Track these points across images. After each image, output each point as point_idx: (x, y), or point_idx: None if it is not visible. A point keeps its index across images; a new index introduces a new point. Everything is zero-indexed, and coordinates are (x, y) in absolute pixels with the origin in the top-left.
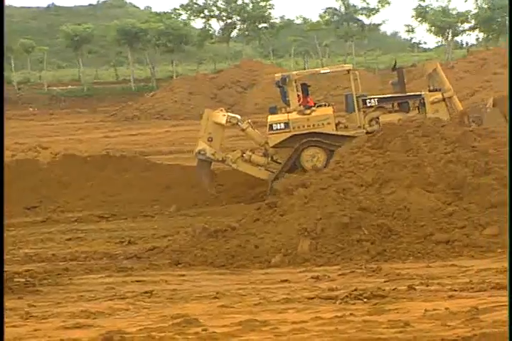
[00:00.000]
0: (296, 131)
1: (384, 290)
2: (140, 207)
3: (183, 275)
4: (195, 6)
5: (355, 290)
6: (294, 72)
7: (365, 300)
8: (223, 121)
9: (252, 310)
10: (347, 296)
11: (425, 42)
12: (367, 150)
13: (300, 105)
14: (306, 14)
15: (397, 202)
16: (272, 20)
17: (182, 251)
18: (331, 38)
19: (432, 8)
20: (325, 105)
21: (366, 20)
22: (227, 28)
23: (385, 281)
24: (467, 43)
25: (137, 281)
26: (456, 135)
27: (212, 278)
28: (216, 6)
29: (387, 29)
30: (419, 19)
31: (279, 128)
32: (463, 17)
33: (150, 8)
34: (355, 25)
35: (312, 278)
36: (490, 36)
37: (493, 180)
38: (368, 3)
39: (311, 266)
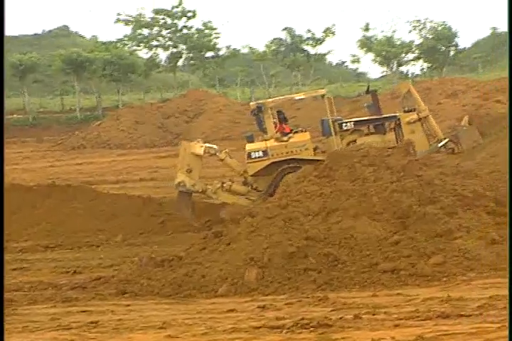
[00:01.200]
0: (275, 158)
1: (331, 319)
2: (86, 236)
3: (129, 305)
4: (139, 36)
5: (302, 319)
6: (269, 100)
7: (311, 329)
8: (201, 152)
9: (198, 340)
10: (294, 325)
11: (370, 73)
12: (313, 179)
13: (277, 132)
14: (252, 44)
15: (344, 231)
16: (217, 50)
17: (128, 281)
18: (278, 68)
19: (376, 39)
20: (301, 131)
21: (312, 51)
22: (174, 58)
23: (331, 310)
24: (412, 73)
25: (82, 311)
26: (402, 164)
27: (158, 308)
28: (162, 36)
29: (332, 59)
30: (364, 49)
31: (257, 156)
32: (407, 47)
33: (96, 37)
34: (301, 55)
35: (259, 307)
36: (434, 66)
37: (439, 209)
38: (313, 34)
39: (257, 296)
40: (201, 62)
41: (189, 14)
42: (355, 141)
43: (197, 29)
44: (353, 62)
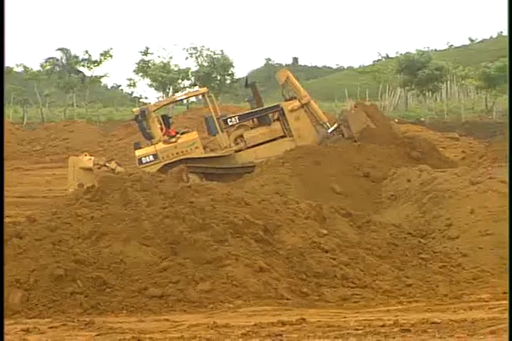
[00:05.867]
0: (166, 160)
1: None
2: None
3: None
4: None
5: None
6: (151, 104)
7: None
8: (90, 164)
9: None
10: None
11: (146, 97)
12: (85, 202)
13: (164, 135)
14: (26, 62)
15: (114, 255)
16: None
17: None
18: (52, 87)
19: (154, 64)
20: (187, 132)
21: (88, 72)
22: None
23: (96, 335)
24: (188, 100)
25: None
26: (175, 190)
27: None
28: None
29: (108, 82)
30: (141, 74)
31: (148, 160)
32: (183, 73)
33: None
34: (76, 76)
35: (22, 330)
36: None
37: (209, 236)
38: (90, 55)
39: (21, 318)
40: None
41: None
42: (242, 135)
43: None
44: (129, 86)
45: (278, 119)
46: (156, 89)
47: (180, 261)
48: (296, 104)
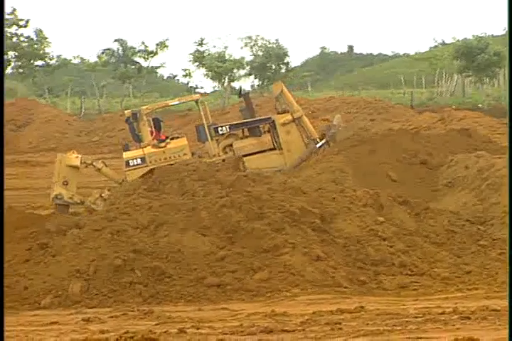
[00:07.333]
0: (154, 164)
1: (155, 333)
2: None
3: None
4: None
5: (126, 332)
6: (144, 107)
7: None
8: (77, 163)
9: None
10: (117, 339)
11: (202, 87)
12: (143, 192)
13: (153, 139)
14: (84, 54)
15: (171, 245)
16: (50, 59)
17: None
18: (109, 78)
19: (209, 54)
20: (177, 137)
21: (144, 63)
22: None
23: (156, 324)
24: (244, 89)
25: None
26: (231, 180)
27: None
28: None
29: (164, 72)
30: (197, 64)
31: (135, 163)
32: (238, 63)
33: None
34: (133, 67)
35: (83, 320)
36: (264, 83)
37: (266, 225)
38: (146, 46)
39: (82, 308)
40: (30, 71)
41: (22, 23)
42: (231, 145)
43: (27, 37)
44: (185, 76)
45: (269, 131)
46: (211, 79)
47: (238, 250)
48: (288, 117)
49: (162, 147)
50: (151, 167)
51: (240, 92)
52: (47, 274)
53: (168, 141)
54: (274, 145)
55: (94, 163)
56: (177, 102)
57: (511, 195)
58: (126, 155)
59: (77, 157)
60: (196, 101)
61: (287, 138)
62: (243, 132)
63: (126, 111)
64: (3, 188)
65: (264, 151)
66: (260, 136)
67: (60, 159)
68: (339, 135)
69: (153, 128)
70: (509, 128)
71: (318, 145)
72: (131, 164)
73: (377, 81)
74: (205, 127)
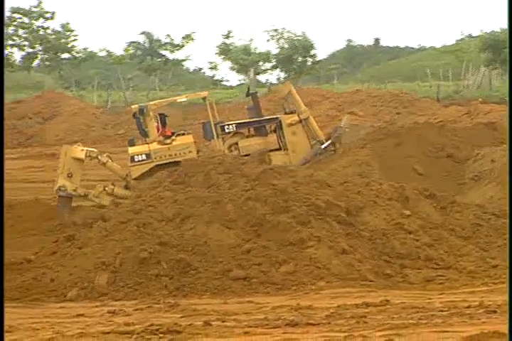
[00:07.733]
0: (158, 161)
1: (180, 325)
2: None
3: None
4: None
5: (152, 325)
6: (151, 103)
7: (160, 335)
8: (82, 155)
9: None
10: (143, 331)
11: (228, 80)
12: (168, 185)
13: (159, 135)
14: (110, 47)
15: (197, 237)
16: (76, 52)
17: None
18: (135, 71)
19: (235, 46)
20: (183, 134)
21: (170, 55)
22: (29, 58)
23: (181, 317)
24: (270, 82)
25: None
26: (256, 173)
27: (5, 312)
28: (18, 35)
29: (190, 65)
30: (222, 57)
31: (140, 159)
32: (264, 56)
33: None
34: (159, 60)
35: (108, 312)
36: (290, 76)
37: (291, 218)
38: (172, 39)
39: (107, 301)
40: (56, 64)
41: (48, 15)
42: (236, 143)
43: (53, 30)
44: (211, 69)
45: (275, 131)
46: (237, 71)
47: (263, 243)
48: (295, 118)
49: (168, 144)
50: (156, 163)
51: (248, 92)
52: (73, 266)
53: (173, 137)
54: (279, 145)
55: (99, 157)
56: (184, 99)
57: (511, 196)
58: (131, 150)
59: (82, 150)
60: (204, 99)
61: (293, 138)
62: (249, 131)
63: (133, 106)
64: (3, 188)
65: (269, 151)
66: (266, 135)
67: (66, 151)
68: (345, 137)
69: (159, 124)
70: (509, 126)
71: (323, 147)
72: (136, 159)
73: (403, 74)
74: (212, 125)
